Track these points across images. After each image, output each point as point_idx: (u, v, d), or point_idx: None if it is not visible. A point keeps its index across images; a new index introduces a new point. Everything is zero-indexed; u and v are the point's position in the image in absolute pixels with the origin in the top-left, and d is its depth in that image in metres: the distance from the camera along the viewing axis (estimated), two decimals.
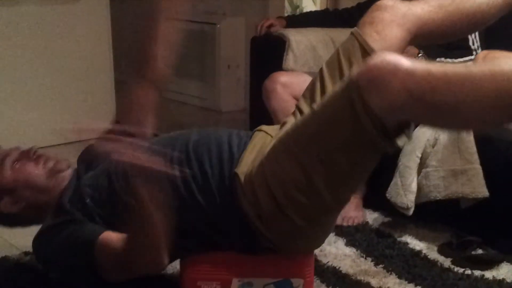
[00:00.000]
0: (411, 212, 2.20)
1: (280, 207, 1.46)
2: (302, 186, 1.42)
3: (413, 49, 2.51)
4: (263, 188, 1.46)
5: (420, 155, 2.19)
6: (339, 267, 2.00)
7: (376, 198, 2.44)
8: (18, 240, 2.09)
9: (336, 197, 1.46)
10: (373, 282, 1.92)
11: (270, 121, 2.59)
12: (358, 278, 1.94)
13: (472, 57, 2.54)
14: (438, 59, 2.53)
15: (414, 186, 2.19)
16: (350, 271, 1.98)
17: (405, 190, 2.19)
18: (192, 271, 1.64)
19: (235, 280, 1.62)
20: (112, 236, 1.49)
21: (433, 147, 2.18)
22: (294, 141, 1.44)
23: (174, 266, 1.92)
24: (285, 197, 1.45)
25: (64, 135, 3.37)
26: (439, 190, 2.16)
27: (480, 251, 2.11)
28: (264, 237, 1.51)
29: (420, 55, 2.51)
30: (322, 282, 1.88)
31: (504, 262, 2.05)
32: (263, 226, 1.49)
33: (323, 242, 1.65)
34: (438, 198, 2.16)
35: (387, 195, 2.23)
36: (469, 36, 2.57)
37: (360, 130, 1.33)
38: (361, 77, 1.31)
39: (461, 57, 2.55)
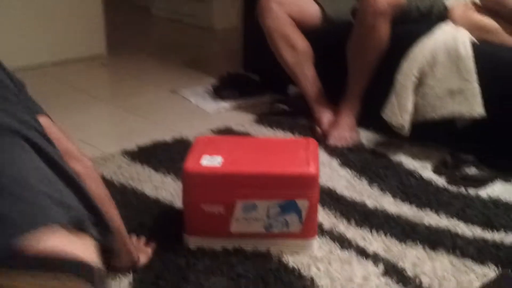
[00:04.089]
0: (406, 131, 2.18)
1: None
2: None
3: None
4: None
5: (417, 74, 2.16)
6: (334, 188, 2.00)
7: (370, 118, 2.42)
8: None
9: None
10: (369, 202, 1.92)
11: (264, 40, 2.54)
12: (354, 198, 1.95)
13: None
14: None
15: (410, 106, 2.16)
16: (345, 192, 1.98)
17: (401, 110, 2.17)
18: (195, 194, 1.63)
19: (238, 202, 1.62)
20: None
21: (431, 66, 2.14)
22: None
23: (177, 189, 1.94)
24: None
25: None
26: (435, 109, 2.13)
27: (474, 170, 2.10)
28: None
29: None
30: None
31: (499, 180, 2.06)
32: None
33: None
34: (434, 118, 2.14)
35: (382, 114, 2.20)
36: None
37: None
38: None
39: None
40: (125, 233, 1.51)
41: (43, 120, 1.30)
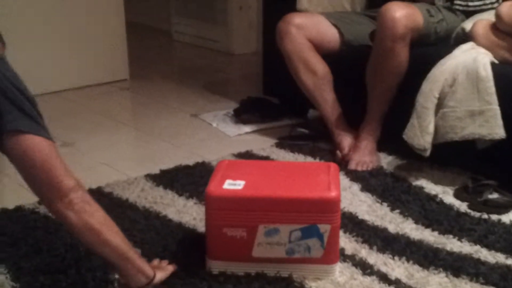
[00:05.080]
0: (428, 153, 2.18)
1: None
2: None
3: None
4: None
5: (438, 95, 2.16)
6: (356, 213, 2.01)
7: (390, 142, 2.42)
8: None
9: None
10: (390, 227, 1.92)
11: (284, 64, 2.57)
12: (375, 223, 1.95)
13: None
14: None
15: (431, 127, 2.16)
16: (367, 217, 1.99)
17: (422, 131, 2.17)
18: (218, 217, 1.65)
19: (261, 227, 1.63)
20: None
21: (451, 87, 2.14)
22: None
23: (199, 213, 1.96)
24: None
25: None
26: (455, 131, 2.13)
27: (496, 195, 2.10)
28: None
29: None
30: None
31: None
32: None
33: None
34: (454, 139, 2.14)
35: (403, 136, 2.20)
36: None
37: None
38: None
39: None
40: (128, 252, 1.51)
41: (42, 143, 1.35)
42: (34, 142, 1.35)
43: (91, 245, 1.49)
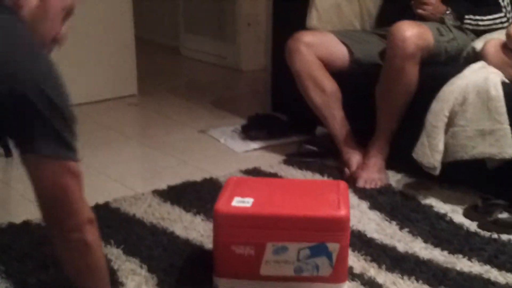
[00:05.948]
0: (437, 172, 2.17)
1: None
2: None
3: (442, 6, 2.45)
4: None
5: (448, 114, 2.15)
6: (364, 231, 1.99)
7: (399, 160, 2.41)
8: None
9: None
10: (399, 246, 1.90)
11: (292, 81, 2.56)
12: (384, 242, 1.93)
13: (502, 14, 2.45)
14: (466, 16, 2.46)
15: (441, 146, 2.15)
16: (375, 235, 1.97)
17: (432, 150, 2.16)
18: (226, 235, 1.64)
19: (269, 244, 1.62)
20: None
21: (461, 106, 2.13)
22: None
23: (206, 230, 1.95)
24: None
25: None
26: (466, 150, 2.12)
27: (506, 215, 2.08)
28: None
29: (448, 12, 2.44)
30: None
31: None
32: None
33: None
34: (464, 158, 2.12)
35: (413, 155, 2.20)
36: None
37: None
38: None
39: (490, 14, 2.47)
40: None
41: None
42: (60, 169, 1.30)
43: (79, 278, 1.41)
